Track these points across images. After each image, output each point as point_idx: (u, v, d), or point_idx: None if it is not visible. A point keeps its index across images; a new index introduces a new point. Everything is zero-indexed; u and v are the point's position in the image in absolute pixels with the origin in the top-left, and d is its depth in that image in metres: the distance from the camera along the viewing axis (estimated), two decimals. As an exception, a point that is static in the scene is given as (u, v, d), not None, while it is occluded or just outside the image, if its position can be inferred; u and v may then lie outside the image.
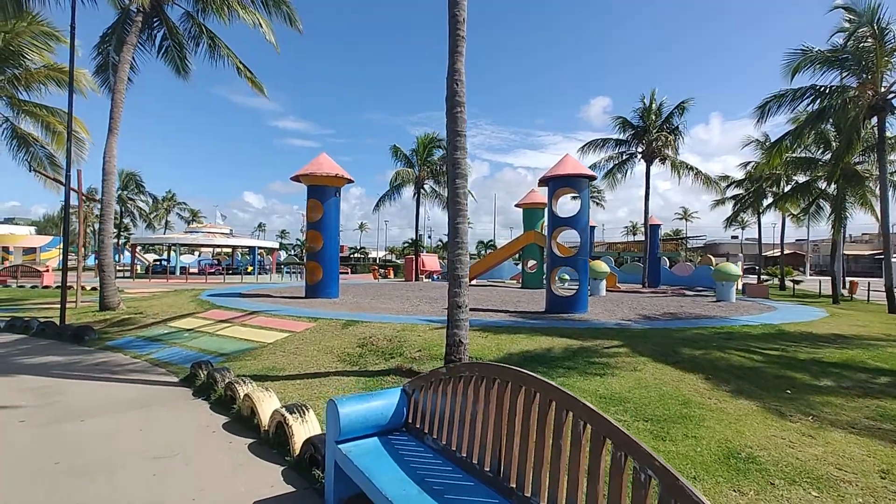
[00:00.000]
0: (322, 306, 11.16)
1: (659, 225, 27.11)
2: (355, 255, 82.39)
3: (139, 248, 43.59)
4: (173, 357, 7.04)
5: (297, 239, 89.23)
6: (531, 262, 22.25)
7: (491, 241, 73.94)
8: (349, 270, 48.48)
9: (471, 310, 6.61)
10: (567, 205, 15.94)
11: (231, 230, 40.21)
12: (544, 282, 13.54)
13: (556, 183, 11.37)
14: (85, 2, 11.56)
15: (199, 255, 55.81)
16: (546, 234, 12.21)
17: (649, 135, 22.89)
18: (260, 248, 38.03)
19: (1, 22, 16.84)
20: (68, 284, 10.03)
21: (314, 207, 13.34)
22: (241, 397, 4.50)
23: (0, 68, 17.61)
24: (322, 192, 13.21)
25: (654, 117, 23.16)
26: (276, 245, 45.22)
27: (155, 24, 13.79)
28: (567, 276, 21.68)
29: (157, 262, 36.30)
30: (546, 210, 12.54)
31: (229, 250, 48.95)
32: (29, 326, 9.15)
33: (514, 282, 26.54)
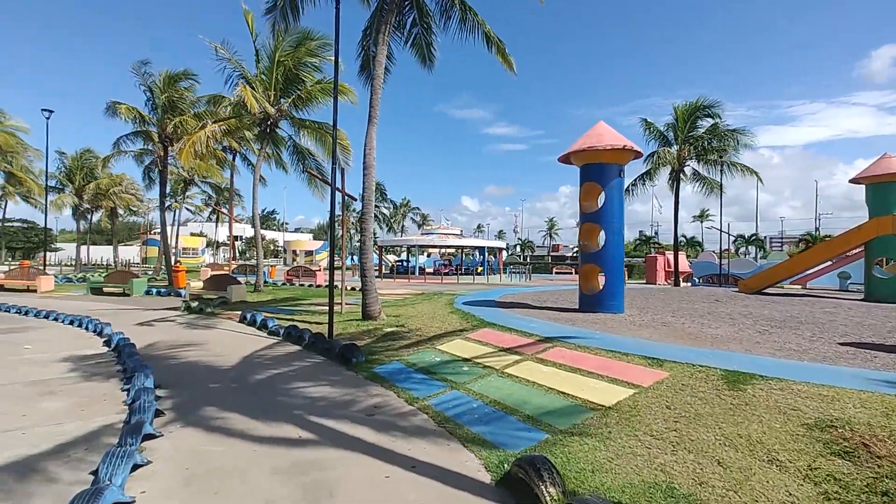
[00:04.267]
0: (626, 328, 7.88)
1: None
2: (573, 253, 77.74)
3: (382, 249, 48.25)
4: (462, 410, 4.64)
5: (520, 238, 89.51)
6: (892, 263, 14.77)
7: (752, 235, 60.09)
8: (573, 270, 44.79)
9: None
10: None
11: (461, 231, 40.94)
12: None
13: None
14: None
15: (429, 256, 59.86)
16: None
17: None
18: (489, 247, 37.49)
19: (289, 52, 19.03)
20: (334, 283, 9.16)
21: (589, 193, 10.19)
22: None
23: (287, 92, 19.95)
24: (601, 172, 9.95)
25: None
26: (503, 245, 44.49)
27: (406, 8, 12.84)
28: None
29: (399, 263, 39.11)
30: None
31: (453, 250, 50.77)
32: (301, 338, 8.32)
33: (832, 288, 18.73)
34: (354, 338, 8.50)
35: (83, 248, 47.05)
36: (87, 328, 9.61)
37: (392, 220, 69.36)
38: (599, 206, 10.05)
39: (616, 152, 9.72)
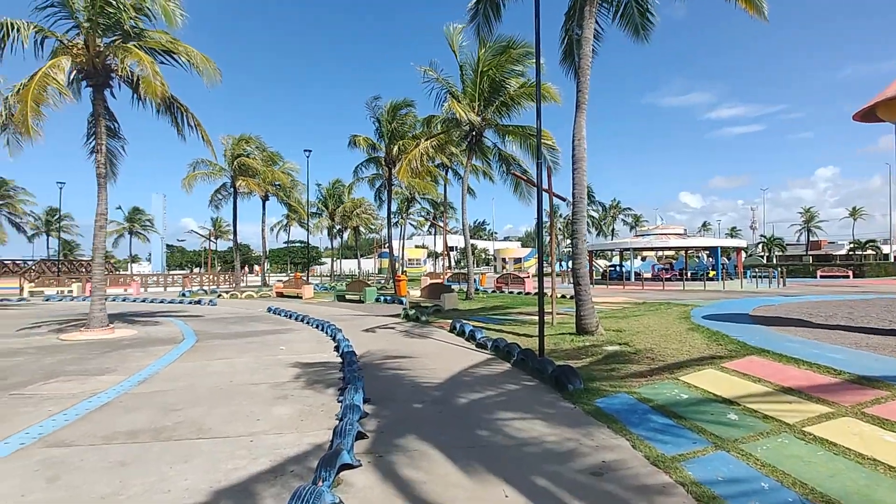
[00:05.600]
0: None
1: None
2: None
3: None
4: (745, 490, 3.02)
5: (763, 236, 74.35)
6: None
7: None
8: (849, 272, 33.91)
9: None
10: None
11: (684, 230, 35.45)
12: None
13: None
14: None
15: (644, 260, 54.01)
16: None
17: None
18: (723, 247, 31.33)
19: (492, 62, 19.19)
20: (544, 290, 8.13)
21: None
22: None
23: (490, 101, 20.12)
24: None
25: None
26: (742, 244, 36.77)
27: (615, -24, 11.18)
28: None
29: (612, 269, 35.95)
30: None
31: (673, 252, 44.35)
32: (510, 353, 7.54)
33: None
34: (569, 357, 7.31)
35: (336, 262, 57.56)
36: (326, 332, 10.81)
37: (602, 223, 65.34)
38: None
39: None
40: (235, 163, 25.67)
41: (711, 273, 30.34)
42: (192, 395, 5.75)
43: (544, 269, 9.12)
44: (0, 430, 4.59)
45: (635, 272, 33.01)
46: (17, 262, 33.98)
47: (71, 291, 28.17)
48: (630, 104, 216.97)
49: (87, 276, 30.21)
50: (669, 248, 38.78)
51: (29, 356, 8.52)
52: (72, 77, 10.97)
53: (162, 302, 21.49)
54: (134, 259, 72.12)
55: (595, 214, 63.06)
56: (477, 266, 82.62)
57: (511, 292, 23.46)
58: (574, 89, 9.85)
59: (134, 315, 15.50)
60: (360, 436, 4.17)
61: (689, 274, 30.91)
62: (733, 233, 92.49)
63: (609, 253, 54.48)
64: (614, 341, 8.27)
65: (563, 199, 12.85)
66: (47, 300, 24.41)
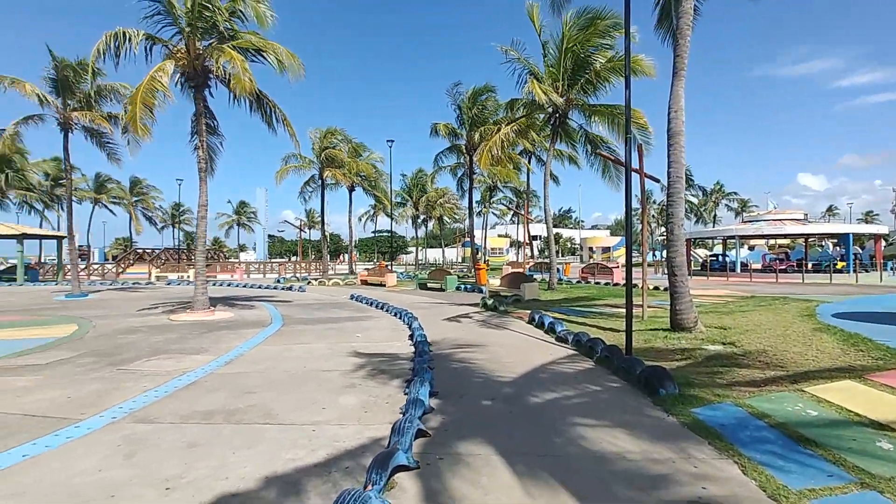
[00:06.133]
0: None
1: None
2: None
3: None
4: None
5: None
6: None
7: None
8: None
9: None
10: None
11: (805, 215, 31.12)
12: None
13: None
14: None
15: (752, 249, 48.53)
16: None
17: None
18: (856, 234, 26.95)
19: (577, 37, 17.98)
20: (634, 282, 7.30)
21: None
22: None
23: (575, 79, 18.89)
24: None
25: None
26: (883, 230, 31.37)
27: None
28: None
29: (713, 258, 32.61)
30: None
31: (787, 241, 39.13)
32: (592, 349, 6.88)
33: None
34: (660, 356, 6.49)
35: (421, 252, 58.72)
36: (403, 320, 10.79)
37: (701, 210, 59.84)
38: None
39: None
40: (323, 155, 26.93)
41: (840, 264, 26.27)
42: (267, 379, 5.89)
43: (634, 259, 8.25)
44: (100, 402, 4.97)
45: (741, 262, 29.66)
46: (148, 250, 38.86)
47: (188, 276, 31.56)
48: (733, 77, 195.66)
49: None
50: (785, 236, 34.37)
51: (142, 334, 9.44)
52: (176, 80, 11.91)
53: (259, 287, 23.23)
54: (241, 248, 79.40)
55: (694, 199, 57.86)
56: (562, 256, 79.98)
57: (597, 283, 22.12)
58: (670, 58, 8.70)
59: (234, 299, 16.81)
60: (422, 433, 3.90)
61: (809, 265, 27.11)
62: (869, 218, 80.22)
63: (710, 241, 49.69)
64: (717, 340, 7.23)
65: (656, 180, 11.63)
66: (168, 284, 27.52)
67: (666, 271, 9.16)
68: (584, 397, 5.04)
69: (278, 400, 5.03)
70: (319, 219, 36.74)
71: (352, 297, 16.86)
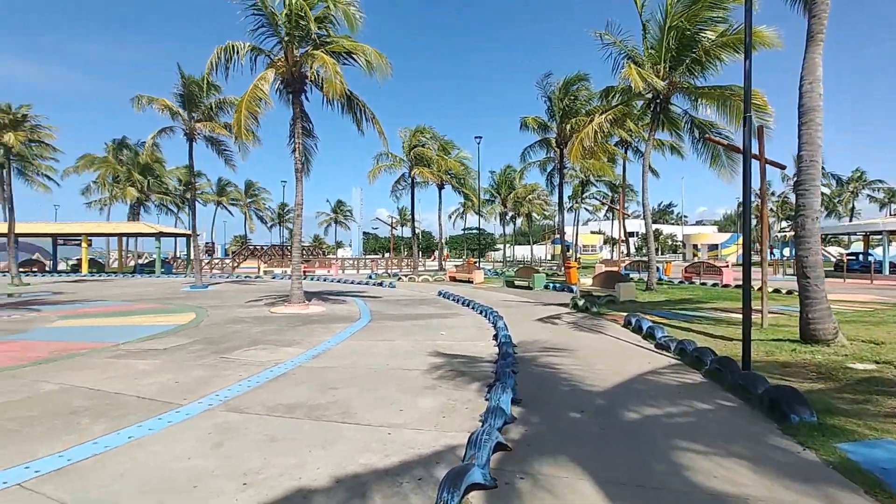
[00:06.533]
0: None
1: None
2: None
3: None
4: None
5: None
6: None
7: None
8: None
9: None
10: None
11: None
12: None
13: None
14: None
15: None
16: None
17: None
18: None
19: (683, 12, 16.33)
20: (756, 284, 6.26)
21: None
22: None
23: (679, 60, 17.16)
24: None
25: None
26: None
27: None
28: None
29: (852, 258, 28.02)
30: None
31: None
32: (700, 360, 6.05)
33: None
34: (787, 373, 5.51)
35: (510, 248, 57.99)
36: (488, 318, 10.51)
37: (835, 201, 52.05)
38: None
39: None
40: (412, 153, 27.50)
41: None
42: (350, 375, 5.93)
43: (754, 258, 7.13)
44: (200, 389, 5.31)
45: (890, 263, 25.14)
46: (258, 247, 42.74)
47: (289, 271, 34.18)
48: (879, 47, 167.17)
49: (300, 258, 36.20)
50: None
51: (246, 324, 10.19)
52: (276, 87, 12.71)
53: (352, 283, 24.33)
54: (339, 244, 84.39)
55: (826, 190, 50.54)
56: (662, 254, 74.31)
57: (703, 284, 20.02)
58: (796, 27, 7.41)
59: (328, 293, 17.71)
60: (501, 447, 3.57)
61: None
62: None
63: (847, 238, 43.00)
64: (866, 357, 5.99)
65: (781, 167, 10.08)
66: (274, 278, 29.91)
67: (788, 272, 7.86)
68: (690, 416, 4.37)
69: (358, 397, 5.00)
70: (410, 216, 37.74)
71: (439, 293, 16.93)
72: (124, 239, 41.26)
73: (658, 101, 17.33)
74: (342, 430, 4.10)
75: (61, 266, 38.29)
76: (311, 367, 6.38)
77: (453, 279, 24.65)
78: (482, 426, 3.82)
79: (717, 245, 54.88)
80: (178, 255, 44.35)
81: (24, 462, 3.46)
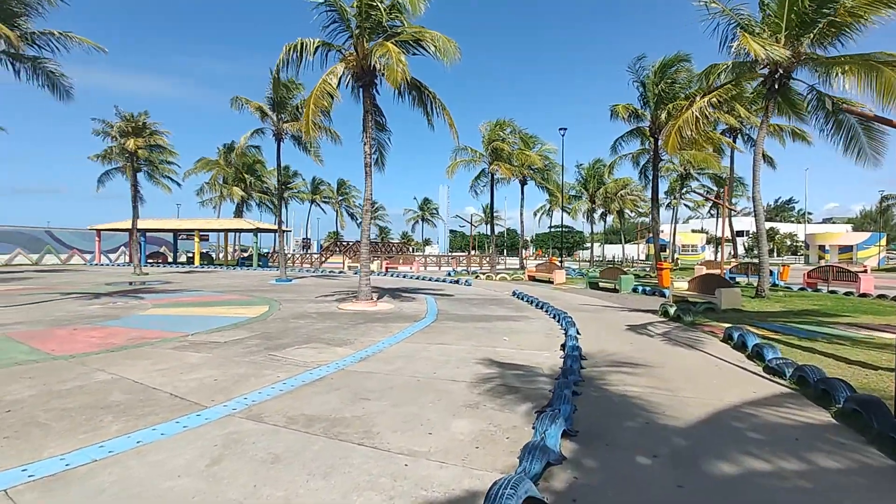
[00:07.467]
0: None
1: None
2: None
3: None
4: None
5: None
6: None
7: None
8: None
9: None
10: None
11: None
12: None
13: None
14: None
15: None
16: None
17: None
18: None
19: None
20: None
21: None
22: None
23: (808, 24, 14.46)
24: None
25: None
26: None
27: None
28: None
29: None
30: None
31: None
32: (830, 394, 4.63)
33: None
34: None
35: (600, 247, 54.78)
36: (560, 324, 9.48)
37: None
38: None
39: None
40: (491, 147, 26.67)
41: None
42: (388, 384, 5.37)
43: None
44: (233, 389, 5.06)
45: None
46: (345, 243, 44.61)
47: (373, 267, 35.03)
48: None
49: (385, 255, 37.00)
50: None
51: (309, 320, 10.15)
52: (347, 81, 12.65)
53: (429, 280, 24.13)
54: (426, 242, 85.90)
55: None
56: (779, 255, 65.73)
57: (832, 292, 16.83)
58: None
59: (402, 290, 17.55)
60: (534, 502, 2.74)
61: None
62: None
63: None
64: None
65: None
66: (355, 274, 30.74)
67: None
68: (814, 479, 3.17)
69: (387, 412, 4.41)
70: (496, 213, 36.94)
71: (513, 293, 16.00)
72: (230, 234, 45.26)
73: (777, 77, 14.80)
74: (355, 454, 3.52)
75: (181, 258, 42.95)
76: (352, 372, 5.93)
77: (532, 278, 23.48)
78: (518, 469, 3.03)
79: (851, 246, 47.21)
80: (275, 250, 47.84)
81: (26, 462, 3.31)
